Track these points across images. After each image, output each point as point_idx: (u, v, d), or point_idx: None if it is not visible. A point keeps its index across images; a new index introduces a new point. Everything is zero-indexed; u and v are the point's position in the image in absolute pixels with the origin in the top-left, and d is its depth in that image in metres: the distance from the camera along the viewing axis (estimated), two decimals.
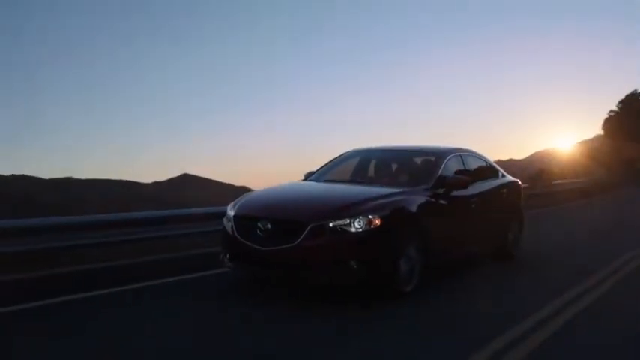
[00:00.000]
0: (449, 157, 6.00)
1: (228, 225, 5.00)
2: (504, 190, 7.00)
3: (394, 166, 6.28)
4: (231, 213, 5.04)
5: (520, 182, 7.57)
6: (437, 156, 6.01)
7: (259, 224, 4.65)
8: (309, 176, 6.31)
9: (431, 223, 5.17)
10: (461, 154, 6.33)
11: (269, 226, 4.62)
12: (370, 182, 5.99)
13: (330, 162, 6.53)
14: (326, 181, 6.04)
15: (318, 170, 6.40)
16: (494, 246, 6.71)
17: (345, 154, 6.64)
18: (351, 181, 6.04)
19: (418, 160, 6.30)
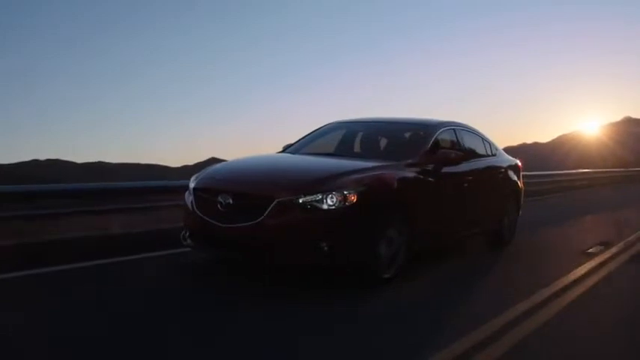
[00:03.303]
0: (440, 131, 5.30)
1: (188, 199, 4.39)
2: (502, 170, 6.31)
3: (380, 139, 5.59)
4: (192, 185, 4.42)
5: (520, 163, 6.89)
6: (427, 129, 5.30)
7: (220, 198, 4.02)
8: (286, 148, 5.64)
9: (416, 201, 4.52)
10: (454, 127, 5.61)
11: (230, 200, 3.98)
12: (352, 155, 5.28)
13: (310, 133, 5.84)
14: (304, 153, 5.35)
15: (296, 142, 5.71)
16: (487, 230, 6.04)
17: (327, 125, 5.93)
18: (330, 154, 5.31)
19: (407, 133, 5.58)
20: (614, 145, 30.30)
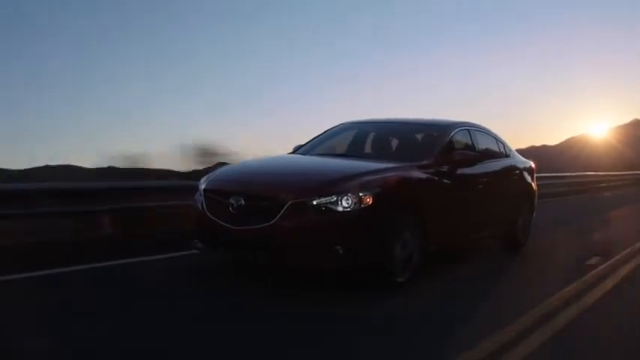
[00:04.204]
0: (455, 131, 5.15)
1: (198, 200, 4.26)
2: (516, 172, 6.16)
3: (393, 140, 5.45)
4: (202, 187, 4.30)
5: (533, 164, 6.72)
6: (441, 129, 5.16)
7: (231, 200, 3.89)
8: (297, 149, 5.50)
9: (431, 203, 4.38)
10: (469, 128, 5.46)
11: (242, 202, 3.85)
12: (365, 157, 5.14)
13: (322, 134, 5.69)
14: (315, 154, 5.21)
15: (307, 143, 5.57)
16: (501, 232, 5.87)
17: (339, 125, 5.77)
18: (343, 155, 5.17)
19: (421, 134, 5.44)
20: (623, 147, 29.97)
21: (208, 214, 4.06)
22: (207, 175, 4.48)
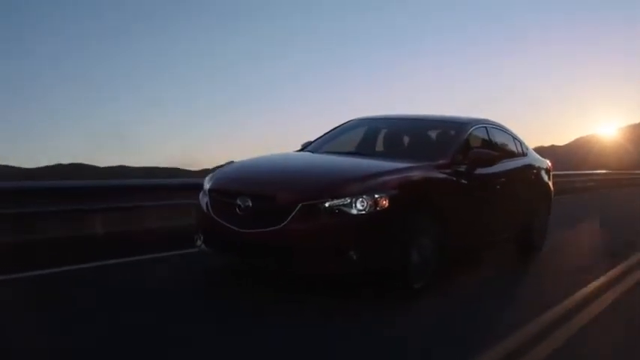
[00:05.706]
0: (472, 129, 4.86)
1: (203, 201, 4.01)
2: (534, 171, 5.85)
3: (407, 138, 5.14)
4: (207, 186, 4.04)
5: (550, 163, 6.40)
6: (458, 126, 4.85)
7: (238, 200, 3.63)
8: (306, 146, 5.20)
9: (449, 205, 4.11)
10: (486, 125, 5.15)
11: (250, 203, 3.60)
12: (377, 155, 4.85)
13: (331, 131, 5.39)
14: (325, 152, 4.92)
15: (316, 140, 5.28)
16: (519, 234, 5.53)
17: (349, 122, 5.47)
18: (355, 154, 4.87)
19: (436, 131, 5.13)
20: (633, 147, 29.55)
21: (213, 215, 3.81)
22: (212, 174, 4.21)
